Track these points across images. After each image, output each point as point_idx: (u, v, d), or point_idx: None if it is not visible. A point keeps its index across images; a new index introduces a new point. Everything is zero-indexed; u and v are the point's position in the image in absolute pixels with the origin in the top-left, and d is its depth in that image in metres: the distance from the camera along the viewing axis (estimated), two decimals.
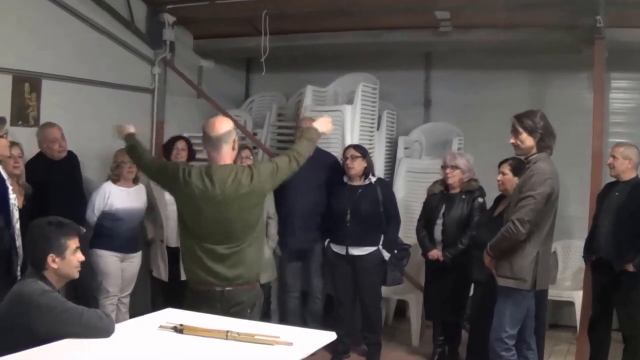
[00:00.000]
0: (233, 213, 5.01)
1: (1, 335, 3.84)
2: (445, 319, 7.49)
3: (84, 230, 4.50)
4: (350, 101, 8.67)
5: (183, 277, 7.14)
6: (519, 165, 6.23)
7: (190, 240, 5.16)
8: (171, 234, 7.64)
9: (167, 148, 8.10)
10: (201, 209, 5.02)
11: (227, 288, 5.03)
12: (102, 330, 3.92)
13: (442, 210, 7.33)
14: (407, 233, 8.01)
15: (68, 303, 3.95)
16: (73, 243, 4.16)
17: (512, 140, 5.74)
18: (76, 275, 4.23)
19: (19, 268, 5.65)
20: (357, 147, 7.53)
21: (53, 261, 4.06)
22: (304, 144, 5.41)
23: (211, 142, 5.10)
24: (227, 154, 5.12)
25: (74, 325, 3.84)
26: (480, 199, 7.23)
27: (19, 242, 5.67)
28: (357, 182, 7.43)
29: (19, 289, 4.00)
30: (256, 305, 5.24)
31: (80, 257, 4.20)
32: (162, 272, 7.74)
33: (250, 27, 9.19)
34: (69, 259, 4.12)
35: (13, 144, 6.35)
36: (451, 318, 7.46)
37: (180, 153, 7.96)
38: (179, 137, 8.22)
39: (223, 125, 5.12)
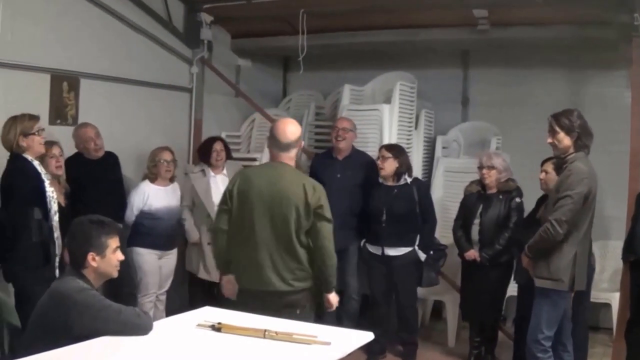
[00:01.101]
0: (282, 208, 5.16)
1: (40, 332, 3.88)
2: (481, 319, 7.46)
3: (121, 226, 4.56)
4: (388, 100, 8.63)
5: None
6: (562, 165, 6.18)
7: (241, 241, 5.30)
8: None
9: (205, 150, 8.00)
10: (254, 203, 5.22)
11: (278, 290, 5.12)
12: (140, 327, 3.95)
13: (480, 210, 7.29)
14: (445, 233, 7.97)
15: (106, 301, 3.98)
16: (113, 242, 4.18)
17: (549, 140, 5.72)
18: (115, 274, 4.25)
19: (57, 259, 5.79)
20: (389, 148, 7.48)
21: (93, 259, 4.08)
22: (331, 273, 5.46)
23: (280, 146, 5.28)
24: (292, 158, 5.34)
25: (112, 323, 3.87)
26: (517, 199, 7.17)
27: (57, 234, 5.81)
28: (392, 183, 7.40)
29: (58, 286, 4.04)
30: (307, 307, 5.30)
31: (120, 256, 4.23)
32: (213, 273, 7.64)
33: (288, 25, 9.19)
34: (109, 257, 4.14)
35: (52, 143, 6.53)
36: (488, 319, 7.43)
37: (219, 154, 7.89)
38: (215, 139, 8.15)
39: (293, 130, 5.31)
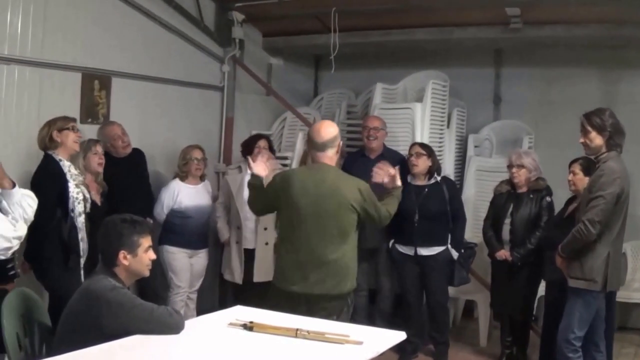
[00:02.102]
0: (327, 210, 5.18)
1: (72, 331, 3.90)
2: (512, 319, 7.41)
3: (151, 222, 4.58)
4: (420, 99, 8.58)
5: (256, 278, 7.23)
6: (590, 165, 6.13)
7: (287, 244, 5.35)
8: (249, 235, 7.67)
9: (249, 146, 7.91)
10: (300, 205, 5.22)
11: (314, 293, 5.10)
12: (172, 326, 3.96)
13: (510, 210, 7.24)
14: (478, 233, 7.93)
15: (138, 299, 4.00)
16: (146, 241, 4.20)
17: (581, 140, 5.69)
18: (147, 273, 4.27)
19: (82, 260, 5.84)
20: (423, 146, 7.46)
21: (124, 258, 4.09)
22: (395, 202, 5.78)
23: (316, 147, 5.33)
24: (331, 158, 5.35)
25: (144, 322, 3.89)
26: (548, 198, 7.12)
27: (81, 235, 5.85)
28: (422, 182, 7.37)
29: (89, 284, 4.06)
30: (343, 312, 5.29)
31: (152, 255, 4.24)
32: (236, 274, 7.71)
33: (320, 24, 9.18)
34: (141, 256, 4.16)
35: (97, 141, 6.67)
36: (519, 318, 7.38)
37: (261, 152, 7.86)
38: (260, 136, 8.12)
39: (329, 130, 5.33)
